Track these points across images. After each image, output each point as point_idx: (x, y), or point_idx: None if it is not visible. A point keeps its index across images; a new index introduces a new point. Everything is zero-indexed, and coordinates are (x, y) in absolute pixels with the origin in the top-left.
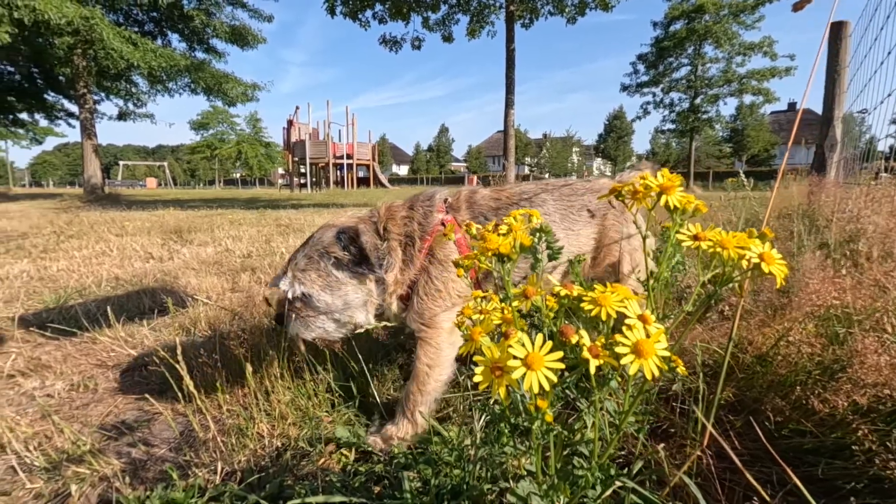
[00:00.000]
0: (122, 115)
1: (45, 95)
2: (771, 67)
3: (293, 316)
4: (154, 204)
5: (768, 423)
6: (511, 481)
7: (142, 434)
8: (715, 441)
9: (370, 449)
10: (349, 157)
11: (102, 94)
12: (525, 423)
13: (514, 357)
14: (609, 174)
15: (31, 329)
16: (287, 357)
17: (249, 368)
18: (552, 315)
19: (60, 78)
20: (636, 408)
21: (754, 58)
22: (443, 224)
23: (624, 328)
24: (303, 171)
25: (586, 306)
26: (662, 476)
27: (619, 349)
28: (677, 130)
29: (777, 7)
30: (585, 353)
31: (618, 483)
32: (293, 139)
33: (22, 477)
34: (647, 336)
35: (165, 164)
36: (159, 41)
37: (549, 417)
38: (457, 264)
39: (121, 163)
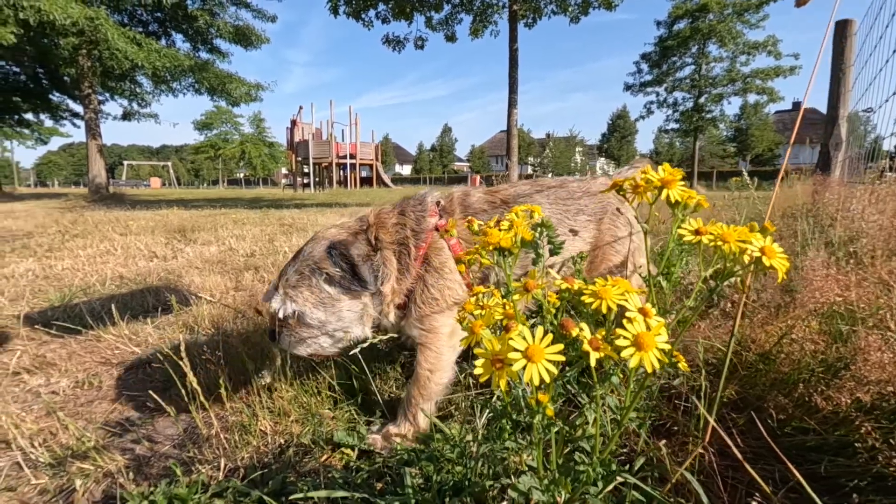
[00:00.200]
0: (126, 116)
1: (51, 96)
2: (775, 66)
3: (286, 333)
4: (158, 203)
5: (771, 421)
6: (513, 477)
7: (145, 431)
8: (717, 438)
9: (371, 448)
10: (352, 156)
11: (107, 95)
12: (526, 419)
13: (515, 349)
14: (611, 174)
15: (37, 327)
16: (289, 355)
17: (252, 366)
18: (553, 311)
19: (65, 78)
20: (637, 404)
21: (758, 57)
22: (436, 229)
23: (624, 321)
24: (306, 170)
25: (587, 299)
26: (664, 473)
27: (619, 342)
28: (681, 130)
29: (781, 6)
30: (586, 346)
31: (619, 479)
32: (296, 139)
33: (27, 473)
34: (648, 329)
35: (169, 163)
36: (163, 41)
37: (549, 412)
38: (458, 261)
39: (125, 163)
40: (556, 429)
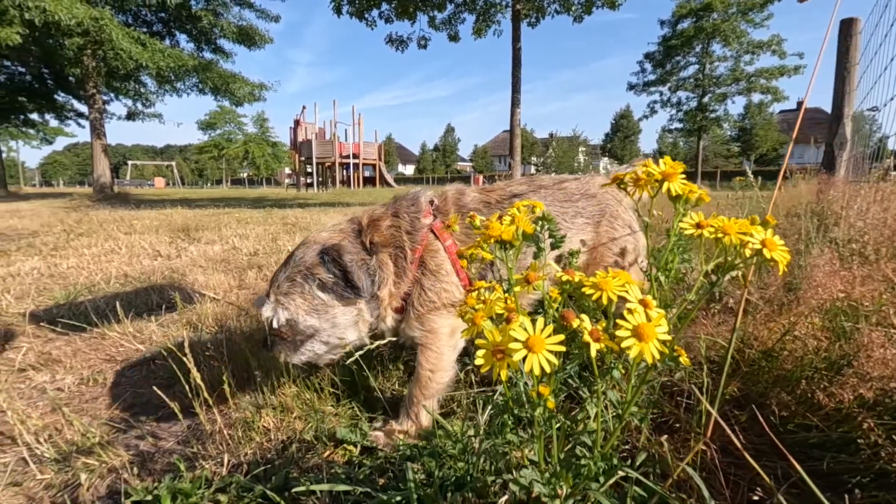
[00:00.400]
0: (130, 115)
1: (56, 96)
2: (780, 66)
3: (279, 341)
4: (162, 203)
5: (773, 418)
6: (514, 472)
7: (149, 427)
8: (719, 435)
9: (374, 445)
10: (355, 156)
11: (112, 95)
12: (528, 414)
13: (516, 340)
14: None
15: (42, 324)
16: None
17: (255, 363)
18: (555, 306)
19: (70, 78)
20: (639, 398)
21: (763, 56)
22: (431, 230)
23: (625, 312)
24: (309, 170)
25: (587, 290)
26: (666, 470)
27: (619, 333)
28: (685, 129)
29: (786, 5)
30: (586, 337)
31: (620, 473)
32: (300, 139)
33: (33, 468)
34: (648, 320)
35: (173, 163)
36: (167, 41)
37: (551, 404)
38: (460, 255)
39: (129, 162)
40: (558, 422)
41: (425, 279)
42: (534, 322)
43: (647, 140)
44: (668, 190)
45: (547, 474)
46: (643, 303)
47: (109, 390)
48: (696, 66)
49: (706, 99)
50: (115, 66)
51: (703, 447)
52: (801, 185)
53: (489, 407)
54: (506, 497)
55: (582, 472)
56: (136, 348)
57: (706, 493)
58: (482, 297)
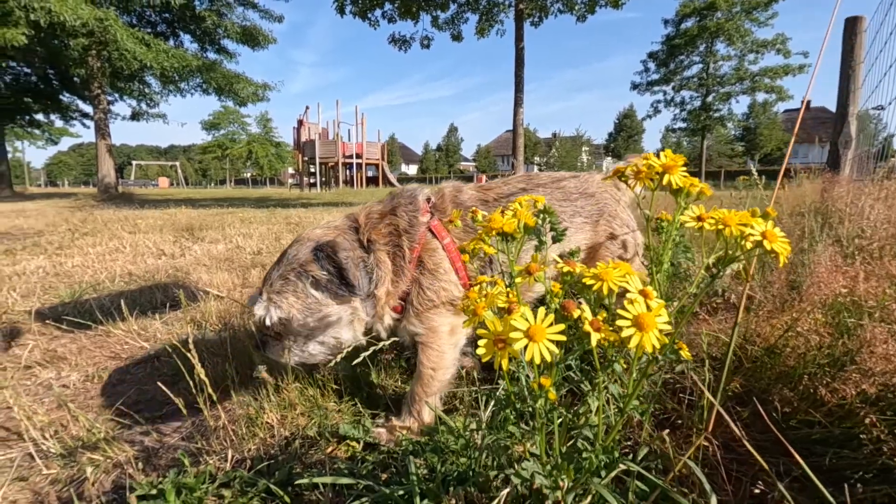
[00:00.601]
0: (135, 116)
1: (61, 96)
2: (784, 65)
3: (272, 341)
4: (166, 203)
5: (776, 414)
6: (516, 465)
7: (154, 423)
8: (721, 432)
9: (376, 441)
10: (358, 156)
11: (116, 95)
12: (529, 408)
13: (517, 329)
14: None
15: (48, 322)
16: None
17: (259, 359)
18: (556, 301)
19: (75, 79)
20: (640, 391)
21: (767, 55)
22: (429, 229)
23: (625, 302)
24: (312, 170)
25: (588, 281)
26: (668, 465)
27: (620, 322)
28: (688, 129)
29: (790, 4)
30: (587, 327)
31: (622, 466)
32: (303, 139)
33: (39, 463)
34: (649, 310)
35: (177, 163)
36: (171, 42)
37: (552, 395)
38: (462, 250)
39: (134, 163)
40: (559, 414)
41: (424, 278)
42: (535, 313)
43: (651, 139)
44: (669, 183)
45: (548, 467)
46: (643, 293)
47: (114, 387)
48: (700, 66)
49: (710, 98)
50: (120, 67)
51: (706, 443)
52: (806, 184)
53: (492, 403)
54: (507, 490)
55: (583, 466)
56: (141, 346)
57: (707, 487)
58: (484, 291)
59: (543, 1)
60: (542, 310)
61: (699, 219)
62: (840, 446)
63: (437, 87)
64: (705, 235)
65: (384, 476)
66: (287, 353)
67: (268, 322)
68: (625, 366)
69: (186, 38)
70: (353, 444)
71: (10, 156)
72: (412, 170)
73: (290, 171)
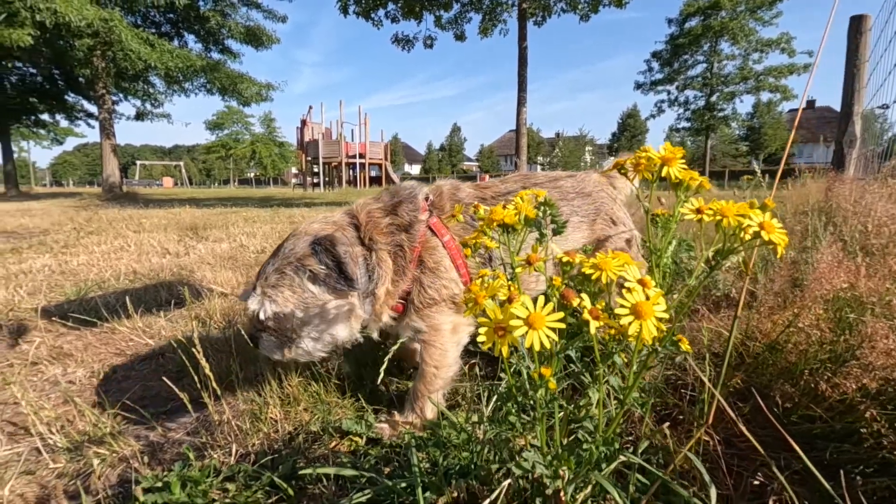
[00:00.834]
0: (139, 116)
1: (66, 96)
2: (789, 64)
3: (265, 336)
4: (170, 202)
5: (777, 410)
6: (517, 457)
7: (159, 418)
8: (722, 428)
9: (379, 436)
10: (361, 156)
11: (121, 95)
12: (531, 399)
13: (517, 317)
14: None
15: (54, 319)
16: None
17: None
18: (556, 294)
19: (80, 79)
20: (640, 384)
21: (771, 54)
22: (430, 228)
23: (623, 291)
24: (316, 170)
25: (587, 270)
26: (668, 459)
27: (618, 310)
28: (692, 129)
29: (795, 3)
30: (586, 315)
31: (622, 458)
32: (306, 139)
33: (46, 457)
34: (647, 299)
35: (181, 163)
36: (176, 42)
37: (552, 385)
38: (464, 244)
39: (138, 162)
40: (559, 405)
41: (425, 277)
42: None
43: (655, 139)
44: (669, 175)
45: (549, 457)
46: (641, 282)
47: (120, 383)
48: (704, 65)
49: (714, 98)
50: (125, 67)
51: (707, 438)
52: (810, 183)
53: (493, 398)
54: (508, 482)
55: (584, 457)
56: (146, 343)
57: (707, 479)
58: (486, 284)
59: (546, 0)
60: (541, 298)
61: (698, 211)
62: (841, 441)
63: (441, 86)
64: (706, 232)
65: (387, 470)
66: (280, 348)
67: (262, 316)
68: (625, 359)
69: (190, 39)
70: (356, 439)
71: (15, 156)
72: (415, 170)
73: (294, 170)
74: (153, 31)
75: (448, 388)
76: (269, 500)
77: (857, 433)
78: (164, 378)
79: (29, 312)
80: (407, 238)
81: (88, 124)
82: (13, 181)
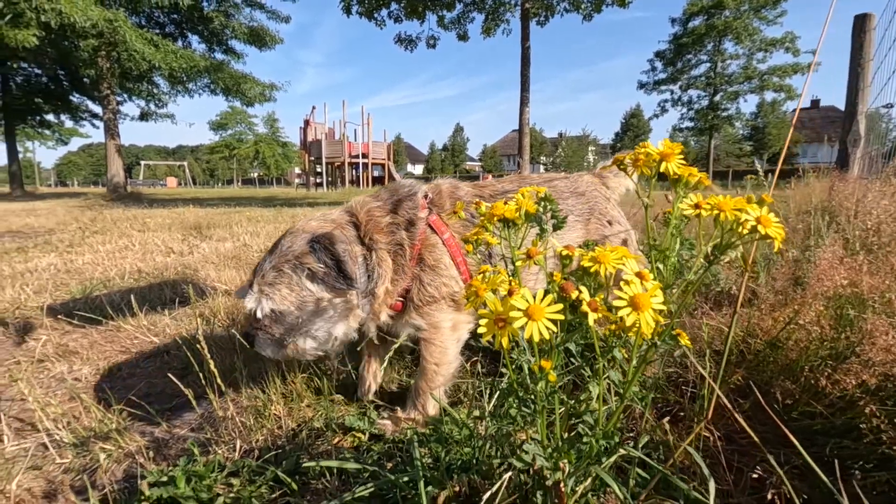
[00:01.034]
0: (143, 116)
1: (71, 97)
2: (793, 63)
3: (262, 335)
4: (174, 202)
5: (777, 406)
6: (518, 450)
7: (164, 415)
8: (723, 423)
9: (382, 432)
10: (364, 156)
11: (125, 95)
12: (532, 393)
13: (517, 309)
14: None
15: (59, 317)
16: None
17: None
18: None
19: (85, 80)
20: (640, 378)
21: (776, 54)
22: (429, 226)
23: (622, 283)
24: (319, 170)
25: (586, 264)
26: (669, 454)
27: (616, 302)
28: (696, 128)
29: (799, 2)
30: (584, 307)
31: (622, 451)
32: (309, 139)
33: (52, 453)
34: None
35: (185, 163)
36: (180, 43)
37: (552, 377)
38: (465, 241)
39: (142, 163)
40: (559, 398)
41: (424, 275)
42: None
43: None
44: (667, 171)
45: (549, 450)
46: (639, 275)
47: (125, 380)
48: (708, 65)
49: (718, 97)
50: (129, 67)
51: (707, 434)
52: (814, 183)
53: (495, 394)
54: (509, 475)
55: (584, 451)
56: (151, 340)
57: (706, 472)
58: (486, 278)
59: (549, 0)
60: (541, 290)
61: (696, 206)
62: (841, 436)
63: (443, 86)
64: (705, 228)
65: (389, 465)
66: (276, 347)
67: (259, 314)
68: (625, 354)
69: (194, 39)
70: (359, 435)
71: (21, 156)
72: (418, 169)
73: (297, 170)
74: (157, 31)
75: (449, 385)
76: (273, 495)
77: (857, 429)
78: (169, 375)
79: (35, 311)
80: (407, 236)
81: (93, 125)
82: (18, 181)
